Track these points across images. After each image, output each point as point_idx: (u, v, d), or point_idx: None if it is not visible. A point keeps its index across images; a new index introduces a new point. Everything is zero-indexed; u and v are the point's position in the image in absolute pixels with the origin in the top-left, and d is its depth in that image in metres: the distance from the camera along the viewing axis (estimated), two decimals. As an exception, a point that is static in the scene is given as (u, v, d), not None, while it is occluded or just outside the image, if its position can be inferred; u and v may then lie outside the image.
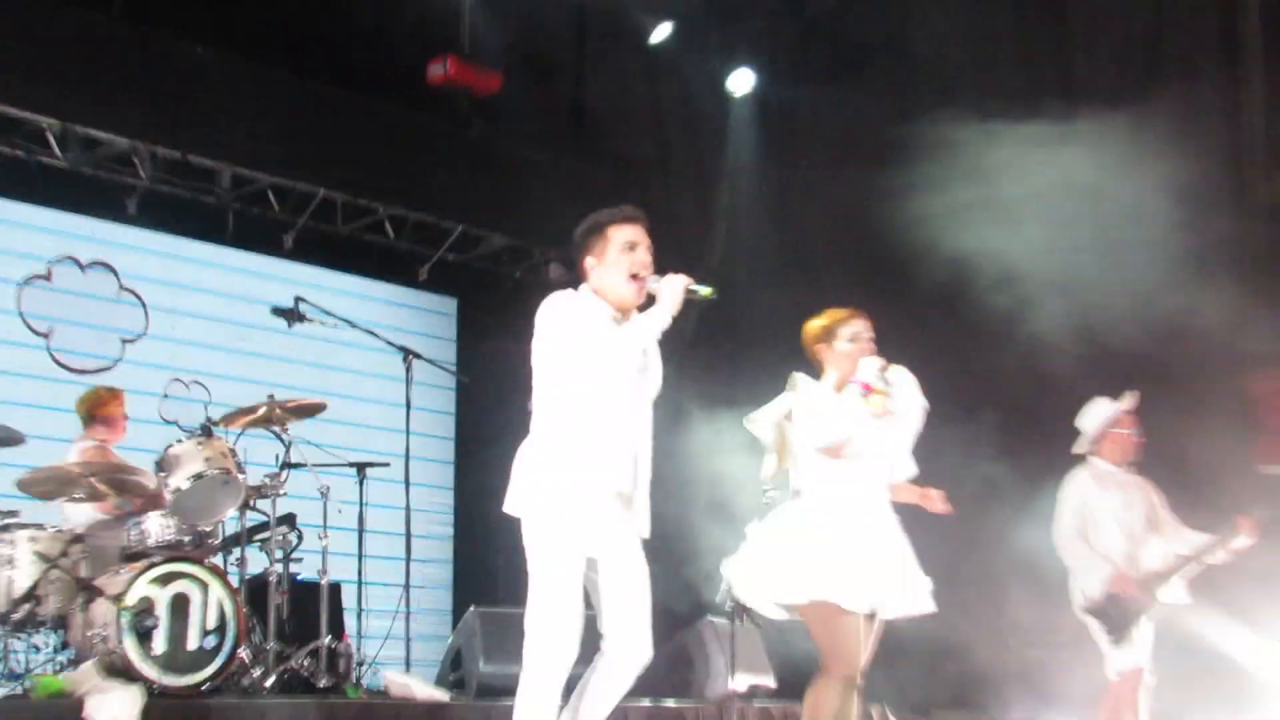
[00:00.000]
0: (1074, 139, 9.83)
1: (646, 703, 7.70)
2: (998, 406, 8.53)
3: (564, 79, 11.64)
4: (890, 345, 5.87)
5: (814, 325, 5.75)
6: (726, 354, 11.16)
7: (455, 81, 11.12)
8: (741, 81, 11.87)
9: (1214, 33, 10.24)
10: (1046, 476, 8.12)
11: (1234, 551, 6.93)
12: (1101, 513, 7.08)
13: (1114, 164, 9.89)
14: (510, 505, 4.93)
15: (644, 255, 4.99)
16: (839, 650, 5.46)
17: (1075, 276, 9.27)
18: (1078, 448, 7.38)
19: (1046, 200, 9.31)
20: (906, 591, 5.57)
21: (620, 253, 4.97)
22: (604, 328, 4.90)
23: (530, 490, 4.85)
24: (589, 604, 4.94)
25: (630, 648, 4.86)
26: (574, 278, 11.40)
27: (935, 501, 5.83)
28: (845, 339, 5.67)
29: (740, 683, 8.32)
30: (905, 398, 5.60)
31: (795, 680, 8.67)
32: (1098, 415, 7.35)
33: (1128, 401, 7.29)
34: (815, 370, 5.83)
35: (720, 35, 11.71)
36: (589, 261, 5.05)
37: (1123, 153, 9.99)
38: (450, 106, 11.36)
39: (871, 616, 5.54)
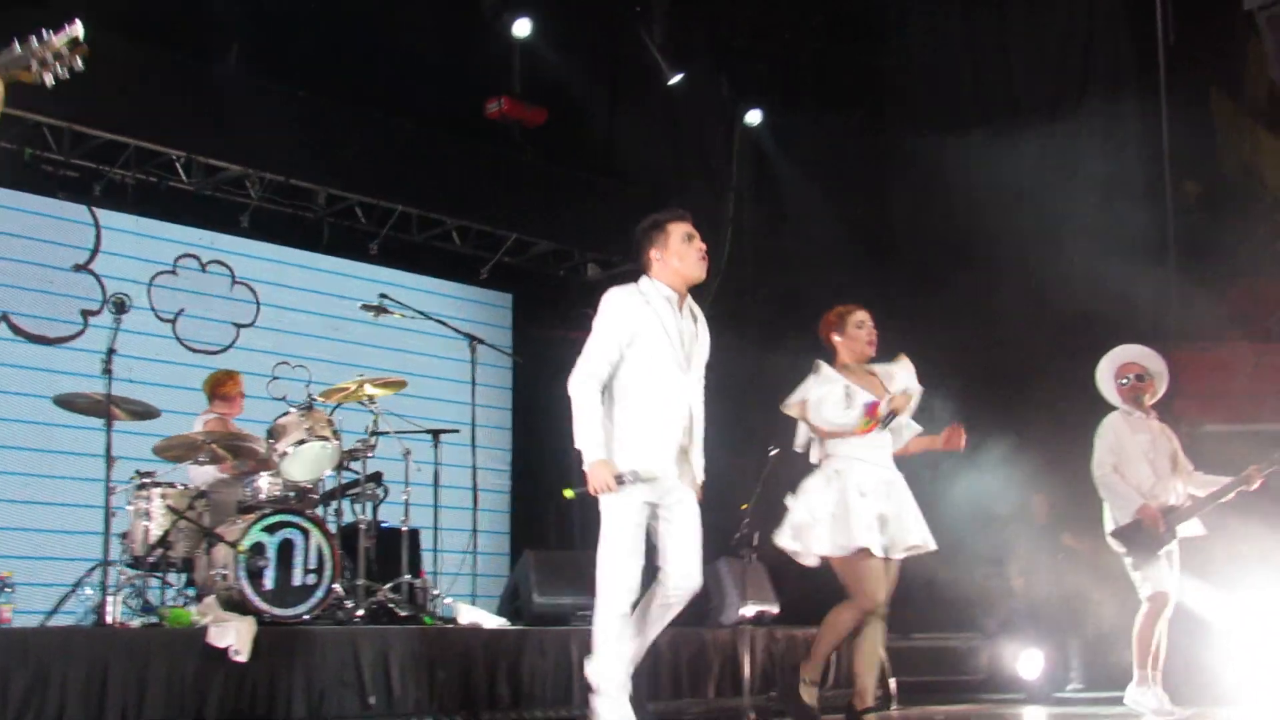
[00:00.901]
0: (1020, 145, 9.78)
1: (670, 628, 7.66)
2: (961, 374, 8.38)
3: (599, 113, 11.58)
4: (877, 322, 5.95)
5: (827, 316, 5.87)
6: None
7: (509, 116, 11.21)
8: (747, 114, 11.84)
9: (1135, 52, 10.15)
10: (1002, 432, 8.03)
11: (1240, 493, 6.80)
12: (1133, 451, 6.88)
13: (1054, 165, 9.82)
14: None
15: (700, 244, 5.02)
16: (863, 587, 5.55)
17: (1025, 260, 9.20)
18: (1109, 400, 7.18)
19: (1000, 197, 9.23)
20: (912, 535, 5.62)
21: (682, 243, 4.98)
22: (656, 315, 4.89)
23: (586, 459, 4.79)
24: (650, 542, 4.92)
25: (683, 579, 4.89)
26: (609, 275, 11.38)
27: (955, 437, 5.84)
28: (853, 326, 5.83)
29: (749, 610, 8.25)
30: (906, 382, 5.75)
31: (795, 608, 8.61)
32: (1099, 374, 7.17)
33: (1121, 353, 7.16)
34: (828, 354, 5.93)
35: (729, 76, 11.67)
36: (654, 254, 5.01)
37: (1062, 156, 9.92)
38: (505, 136, 11.37)
39: (886, 559, 5.57)
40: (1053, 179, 10.00)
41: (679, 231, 5.00)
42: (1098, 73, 10.19)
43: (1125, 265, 9.26)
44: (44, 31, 3.18)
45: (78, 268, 9.34)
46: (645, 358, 4.84)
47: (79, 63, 3.20)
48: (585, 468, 4.75)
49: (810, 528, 5.67)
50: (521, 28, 10.80)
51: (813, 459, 5.90)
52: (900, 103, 10.63)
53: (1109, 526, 6.92)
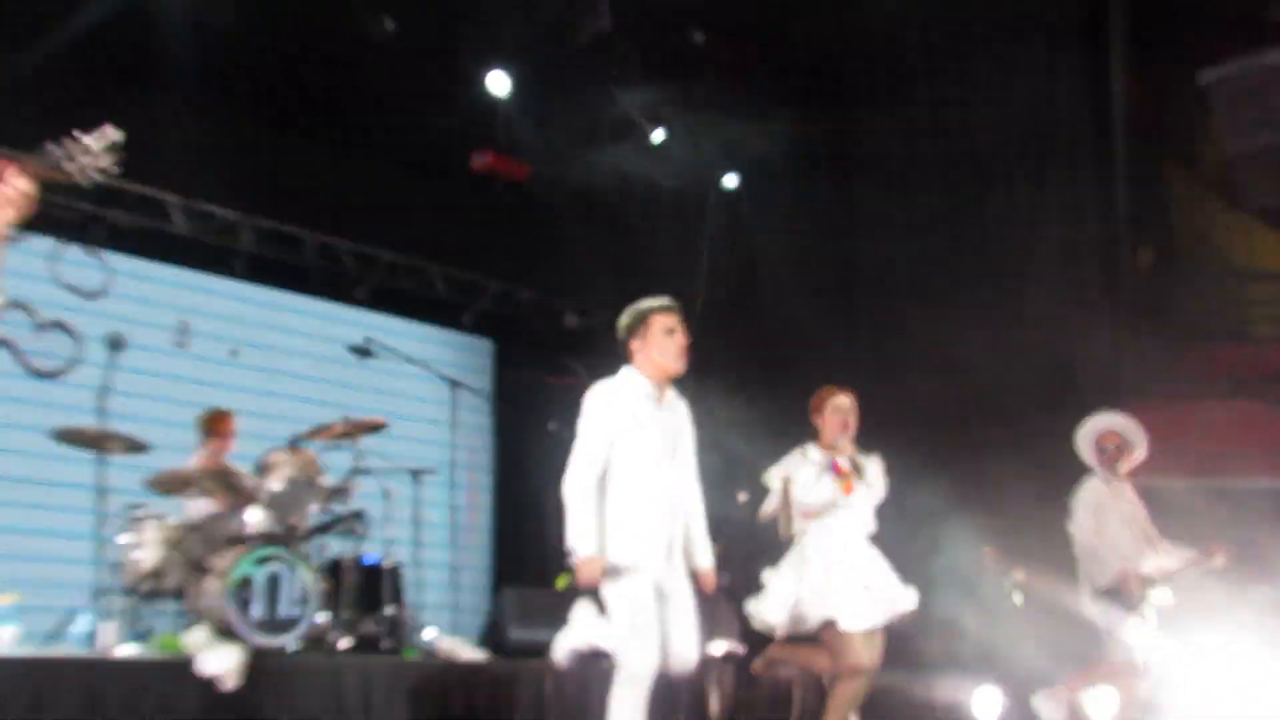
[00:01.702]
0: (983, 206, 9.91)
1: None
2: (922, 422, 8.53)
3: (578, 168, 11.69)
4: (840, 365, 6.06)
5: (813, 398, 5.92)
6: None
7: (493, 169, 11.20)
8: (725, 179, 11.97)
9: (1093, 123, 10.30)
10: (963, 481, 8.11)
11: (1209, 571, 6.89)
12: (1112, 516, 6.94)
13: (1014, 227, 9.96)
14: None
15: (681, 339, 4.99)
16: (848, 657, 5.60)
17: (987, 316, 9.29)
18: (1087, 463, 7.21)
19: (962, 257, 9.35)
20: (897, 601, 5.68)
21: (663, 336, 4.96)
22: (638, 411, 4.89)
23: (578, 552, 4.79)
24: None
25: (681, 663, 4.89)
26: (587, 324, 11.44)
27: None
28: (831, 409, 5.90)
29: (718, 648, 8.32)
30: (874, 477, 5.83)
31: (760, 647, 8.68)
32: (1080, 438, 7.22)
33: (1102, 419, 7.21)
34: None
35: (705, 136, 11.80)
36: (635, 344, 5.01)
37: (1022, 218, 10.06)
38: (489, 188, 11.44)
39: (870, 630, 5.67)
40: (1013, 240, 10.13)
41: (661, 325, 4.98)
42: (1056, 140, 10.33)
43: (1082, 325, 9.42)
44: (76, 134, 3.27)
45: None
46: (628, 454, 4.84)
47: (113, 165, 3.32)
48: (575, 562, 4.75)
49: (794, 604, 5.72)
50: (499, 84, 10.76)
51: (781, 533, 5.95)
52: (868, 166, 10.78)
53: (1084, 588, 6.98)
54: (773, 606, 5.82)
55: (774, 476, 5.94)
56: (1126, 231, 10.15)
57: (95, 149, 3.29)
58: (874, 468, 5.94)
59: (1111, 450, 7.10)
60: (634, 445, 4.86)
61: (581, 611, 5.07)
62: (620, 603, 4.77)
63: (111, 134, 3.30)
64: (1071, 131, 10.24)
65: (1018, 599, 9.36)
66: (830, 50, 10.49)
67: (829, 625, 5.65)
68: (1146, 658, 6.80)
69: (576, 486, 4.81)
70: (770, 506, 5.95)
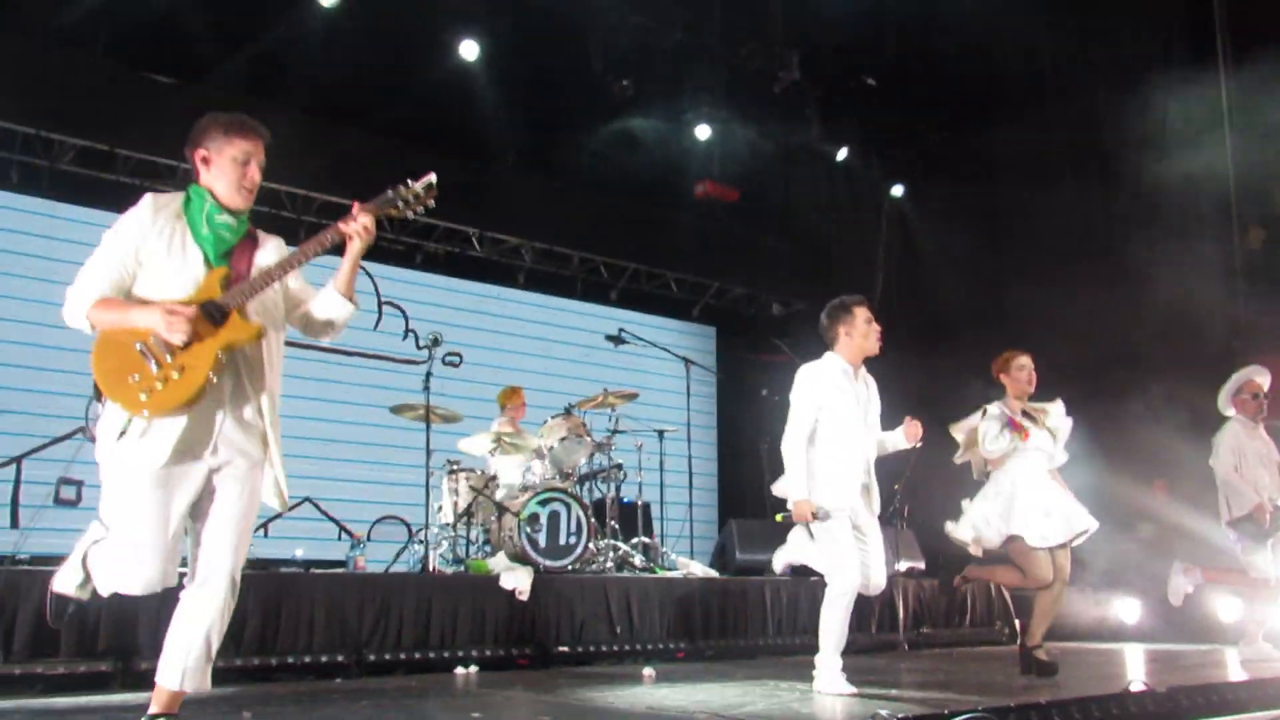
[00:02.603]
0: (1110, 198, 9.31)
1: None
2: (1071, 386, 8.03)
3: (775, 190, 11.50)
4: (994, 338, 5.72)
5: (996, 360, 5.61)
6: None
7: (711, 194, 11.15)
8: (894, 190, 11.63)
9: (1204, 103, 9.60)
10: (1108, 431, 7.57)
11: None
12: (1251, 454, 6.40)
13: (1138, 213, 9.34)
14: (780, 490, 4.77)
15: (877, 326, 4.84)
16: (1034, 571, 5.32)
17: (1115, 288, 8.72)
18: (1222, 410, 6.65)
19: (1092, 242, 8.74)
20: (1077, 521, 5.34)
21: (864, 324, 4.80)
22: (838, 385, 4.74)
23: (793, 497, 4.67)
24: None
25: (875, 583, 4.74)
26: (788, 313, 11.20)
27: (913, 431, 5.05)
28: (1015, 368, 5.53)
29: (902, 566, 8.06)
30: (1057, 418, 5.46)
31: (937, 565, 8.36)
32: (1228, 386, 6.65)
33: (1247, 373, 6.62)
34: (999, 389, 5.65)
35: (879, 160, 11.46)
36: (841, 331, 4.81)
37: (1144, 206, 9.42)
38: (709, 209, 11.36)
39: (1053, 547, 5.33)
40: (1140, 225, 9.48)
41: (863, 315, 4.81)
42: (1175, 145, 9.62)
43: (1203, 294, 8.74)
44: (408, 180, 3.36)
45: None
46: (831, 419, 4.70)
47: (432, 202, 3.37)
48: (790, 504, 4.64)
49: (986, 524, 5.45)
50: (703, 132, 10.75)
51: (975, 475, 5.66)
52: (1009, 172, 10.22)
53: (1224, 517, 6.47)
54: (964, 526, 5.53)
55: (959, 430, 5.64)
56: (1238, 213, 9.37)
57: (419, 190, 3.35)
58: (1056, 410, 5.58)
59: (1250, 399, 6.52)
60: (836, 412, 4.71)
61: (794, 535, 4.91)
62: (827, 536, 4.63)
63: (430, 178, 3.37)
64: (1187, 133, 9.51)
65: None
66: (973, 78, 9.99)
67: (1015, 542, 5.33)
68: (1275, 580, 6.23)
69: (791, 445, 4.69)
70: (960, 455, 5.67)
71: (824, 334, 4.88)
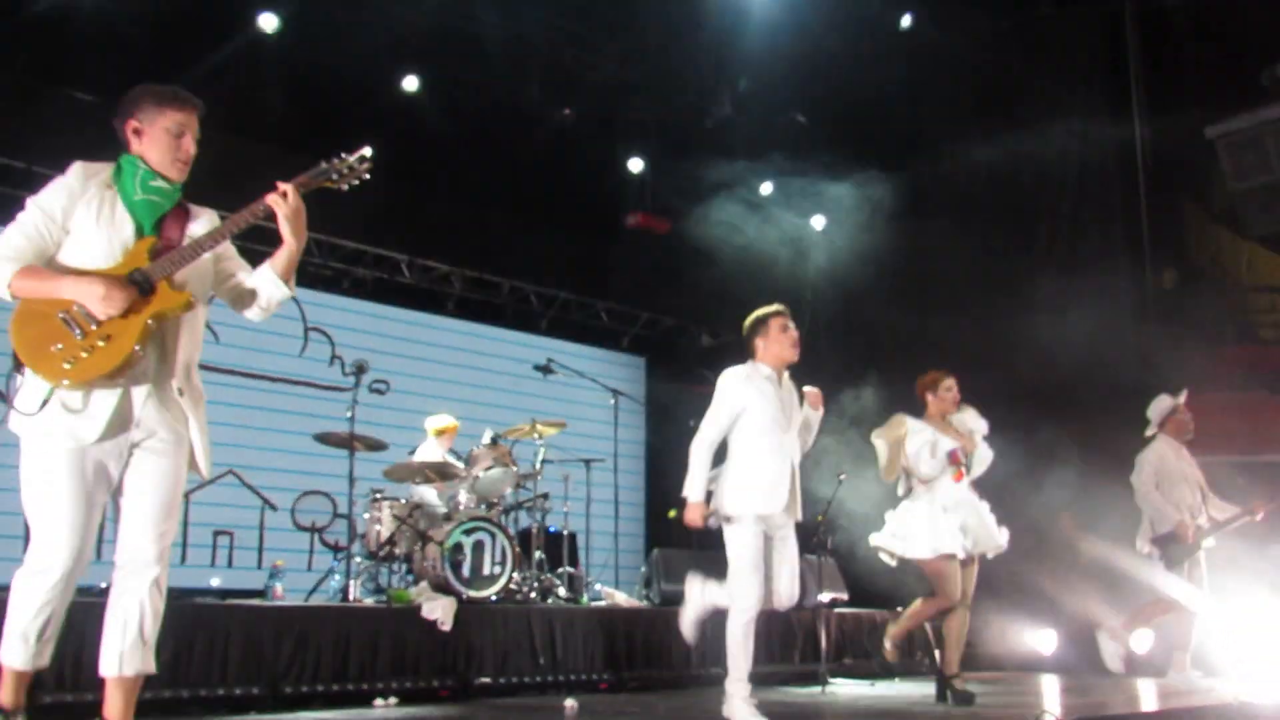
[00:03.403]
0: (1033, 242, 9.55)
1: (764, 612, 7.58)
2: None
3: (706, 223, 11.61)
4: (917, 367, 5.83)
5: (923, 379, 5.73)
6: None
7: (642, 225, 11.21)
8: (816, 221, 11.80)
9: (1120, 174, 9.94)
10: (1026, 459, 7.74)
11: (1249, 521, 6.52)
12: (1175, 474, 6.58)
13: (1060, 258, 9.57)
14: (717, 500, 4.79)
15: (794, 333, 4.94)
16: (945, 587, 5.41)
17: (1035, 325, 8.97)
18: (1148, 431, 6.83)
19: (1015, 280, 9.01)
20: (991, 539, 5.46)
21: (779, 332, 4.91)
22: (761, 389, 4.79)
23: (733, 495, 4.71)
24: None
25: (788, 594, 4.76)
26: (718, 344, 11.28)
27: (814, 400, 5.21)
28: (943, 389, 5.70)
29: (825, 596, 8.12)
30: (974, 424, 5.61)
31: (859, 595, 8.45)
32: (1161, 406, 6.85)
33: (1182, 396, 6.83)
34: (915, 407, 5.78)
35: (801, 191, 11.63)
36: (759, 342, 4.92)
37: (1065, 251, 9.68)
38: (640, 241, 11.42)
39: (968, 561, 5.46)
40: (1059, 265, 9.79)
41: (777, 324, 4.92)
42: (1092, 184, 9.96)
43: (1118, 332, 9.02)
44: (342, 153, 3.31)
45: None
46: (754, 423, 4.74)
47: (367, 175, 3.33)
48: (689, 505, 4.68)
49: (905, 536, 5.54)
50: (635, 165, 10.88)
51: (899, 492, 5.75)
52: (934, 209, 10.46)
53: (1146, 535, 6.62)
54: (885, 535, 5.63)
55: (881, 438, 5.74)
56: (1152, 257, 9.72)
57: (353, 163, 3.31)
58: (972, 418, 5.70)
59: (1184, 420, 6.72)
60: (758, 416, 4.75)
61: (691, 587, 4.90)
62: (736, 544, 4.65)
63: (365, 151, 3.34)
64: (1104, 176, 9.86)
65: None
66: (901, 119, 10.25)
67: (932, 559, 5.42)
68: (1194, 598, 6.41)
69: (699, 445, 4.74)
70: (886, 470, 5.76)
71: (746, 347, 5.00)
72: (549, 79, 9.90)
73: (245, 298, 3.37)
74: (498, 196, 10.39)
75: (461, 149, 9.79)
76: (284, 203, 3.22)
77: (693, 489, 4.67)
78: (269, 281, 3.34)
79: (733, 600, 4.63)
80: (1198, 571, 6.46)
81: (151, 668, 3.11)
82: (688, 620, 4.92)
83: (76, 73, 8.08)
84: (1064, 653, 8.79)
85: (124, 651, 3.05)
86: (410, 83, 9.37)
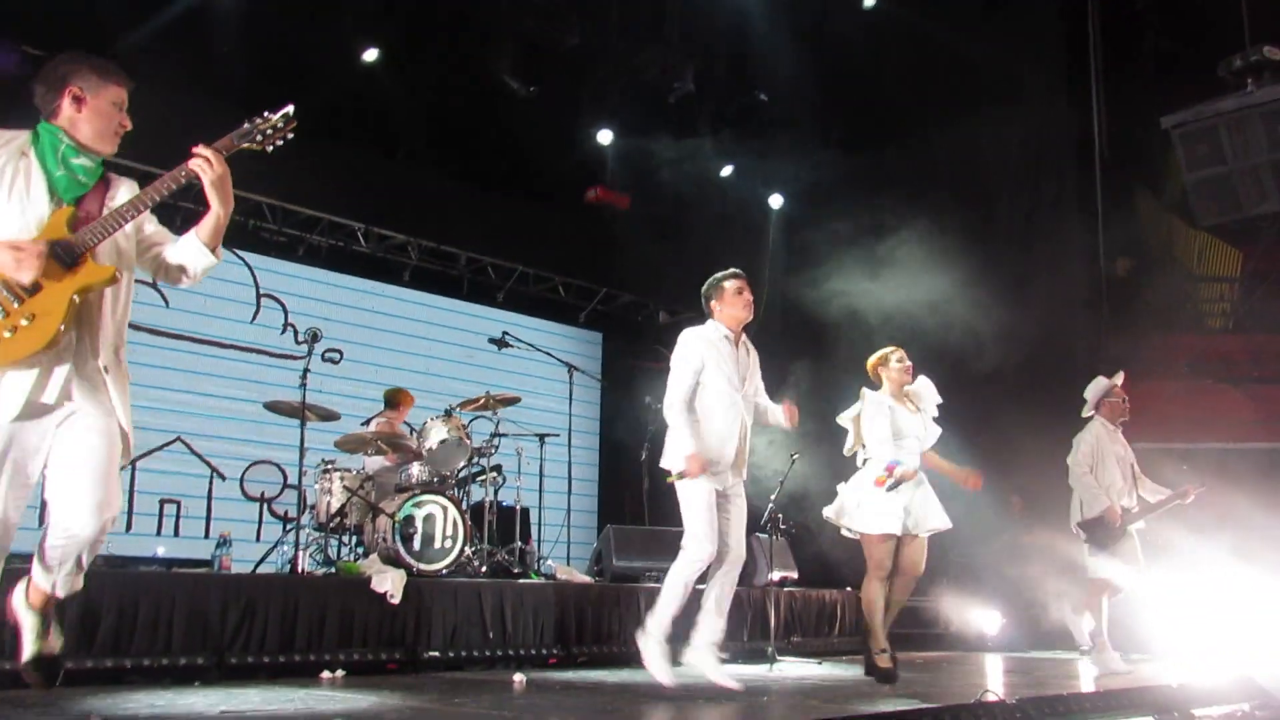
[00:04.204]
0: (990, 229, 9.63)
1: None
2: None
3: (666, 199, 11.60)
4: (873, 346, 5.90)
5: (874, 357, 5.79)
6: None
7: (602, 199, 11.18)
8: (774, 201, 11.84)
9: (1077, 163, 10.05)
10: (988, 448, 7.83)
11: (1181, 505, 6.59)
12: (1110, 456, 6.59)
13: (1017, 243, 9.64)
14: (666, 462, 4.95)
15: (748, 295, 5.12)
16: (874, 559, 5.49)
17: (991, 308, 9.06)
18: (1085, 412, 6.84)
19: (972, 261, 9.08)
20: (933, 519, 5.52)
21: (734, 295, 5.08)
22: (718, 348, 4.97)
23: (680, 454, 4.84)
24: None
25: (736, 553, 4.93)
26: (676, 321, 11.29)
27: (970, 480, 5.68)
28: (894, 362, 5.78)
29: (775, 575, 8.20)
30: (928, 396, 5.68)
31: (809, 574, 8.54)
32: (1097, 388, 6.86)
33: (1118, 378, 6.86)
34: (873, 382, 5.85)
35: (762, 172, 11.65)
36: (715, 304, 5.12)
37: (1021, 236, 9.76)
38: (599, 215, 11.39)
39: (913, 538, 5.54)
40: (1016, 250, 9.89)
41: (732, 286, 5.10)
42: (1050, 172, 10.07)
43: (1073, 318, 9.15)
44: (265, 113, 3.23)
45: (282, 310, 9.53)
46: (711, 382, 4.94)
47: (290, 135, 3.24)
48: (681, 465, 4.78)
49: (852, 509, 5.61)
50: (605, 136, 10.87)
51: (857, 462, 5.82)
52: (894, 190, 10.52)
53: (1075, 517, 6.69)
54: (835, 507, 5.70)
55: (846, 419, 5.80)
56: (1107, 245, 9.85)
57: (278, 122, 3.22)
58: (926, 388, 5.76)
59: (1119, 402, 6.78)
60: (714, 375, 4.94)
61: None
62: (688, 496, 4.83)
63: (288, 109, 3.24)
64: (1061, 163, 9.98)
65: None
66: (862, 100, 10.29)
67: (867, 533, 5.50)
68: (1123, 578, 6.52)
69: (673, 405, 4.89)
70: (850, 446, 5.83)
71: (705, 308, 5.15)
72: (511, 48, 9.81)
73: (170, 268, 3.28)
74: (457, 167, 10.32)
75: (421, 117, 9.71)
76: (208, 168, 3.13)
77: (685, 442, 4.81)
78: (194, 249, 3.23)
79: (685, 548, 4.80)
80: (1132, 552, 6.56)
81: (79, 585, 3.15)
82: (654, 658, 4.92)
83: (15, 20, 7.84)
84: (1009, 631, 8.95)
85: (57, 581, 3.08)
86: (370, 52, 9.23)
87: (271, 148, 3.23)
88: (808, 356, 9.46)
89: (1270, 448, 9.79)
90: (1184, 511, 6.77)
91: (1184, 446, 9.28)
